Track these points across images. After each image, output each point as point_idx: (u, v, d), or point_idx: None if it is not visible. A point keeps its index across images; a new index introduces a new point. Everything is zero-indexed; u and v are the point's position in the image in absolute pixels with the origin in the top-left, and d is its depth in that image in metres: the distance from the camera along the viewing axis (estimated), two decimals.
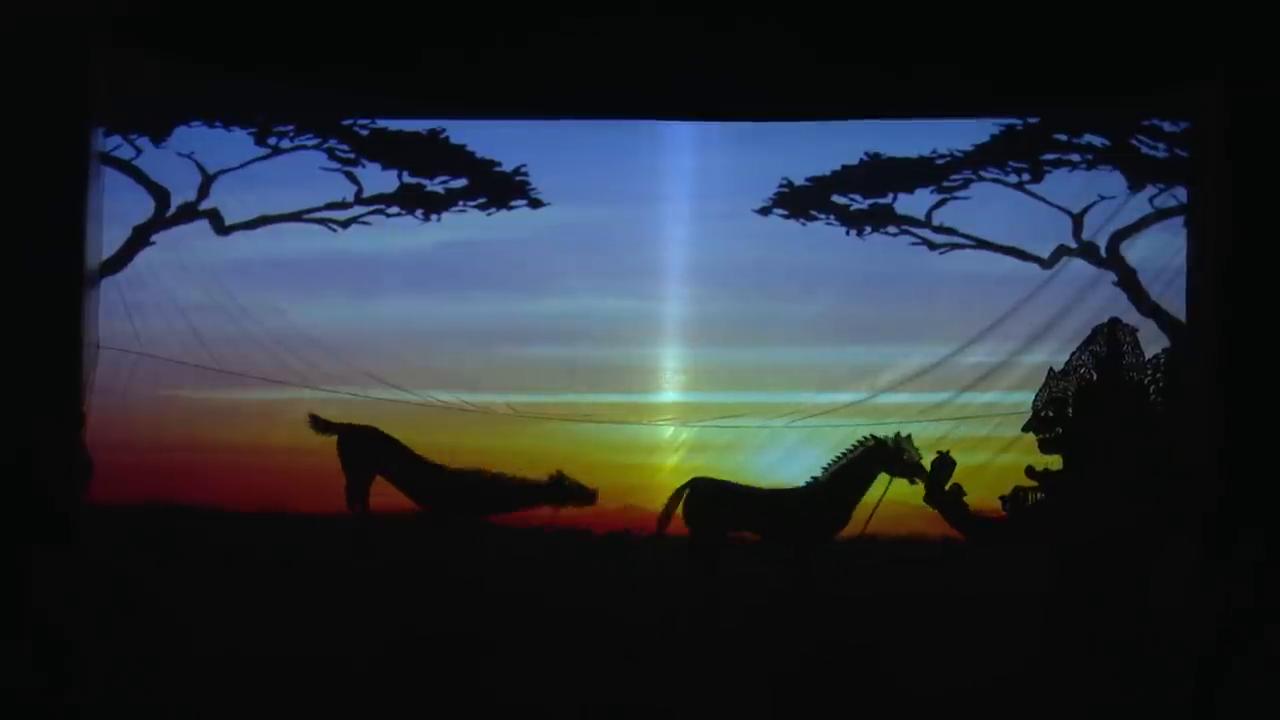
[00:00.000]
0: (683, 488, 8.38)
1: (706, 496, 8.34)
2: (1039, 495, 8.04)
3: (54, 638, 6.87)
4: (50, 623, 6.88)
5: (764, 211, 8.84)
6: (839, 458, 8.33)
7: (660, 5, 7.74)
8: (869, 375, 8.62)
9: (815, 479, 8.36)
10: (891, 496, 8.44)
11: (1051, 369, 8.20)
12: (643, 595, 8.00)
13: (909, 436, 8.28)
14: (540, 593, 8.03)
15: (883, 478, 8.27)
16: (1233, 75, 7.62)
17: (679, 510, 8.33)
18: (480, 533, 8.51)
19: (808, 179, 8.83)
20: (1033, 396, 8.21)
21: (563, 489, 8.47)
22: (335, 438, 8.51)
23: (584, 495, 8.46)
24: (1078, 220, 8.76)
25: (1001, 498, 8.10)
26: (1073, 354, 8.20)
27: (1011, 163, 8.80)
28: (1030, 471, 8.05)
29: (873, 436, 8.29)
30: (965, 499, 8.18)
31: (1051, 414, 8.10)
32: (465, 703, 7.24)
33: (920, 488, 8.23)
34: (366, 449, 8.53)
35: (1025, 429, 8.16)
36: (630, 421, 8.70)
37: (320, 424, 8.52)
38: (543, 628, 7.75)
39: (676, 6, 7.75)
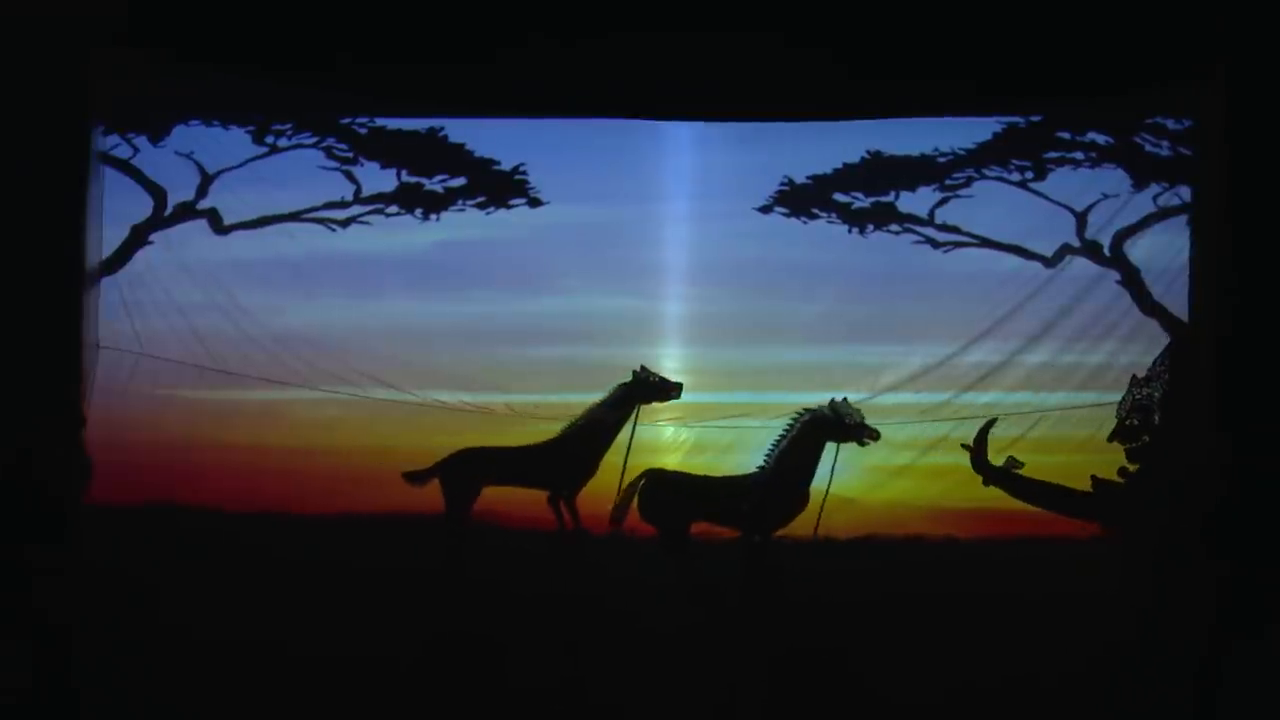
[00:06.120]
0: (637, 479, 8.30)
1: (661, 487, 8.28)
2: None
3: (54, 638, 6.90)
4: (50, 623, 6.90)
5: (765, 210, 8.80)
6: (780, 439, 8.23)
7: (661, 6, 7.71)
8: (869, 375, 8.56)
9: (763, 467, 8.26)
10: (892, 497, 8.46)
11: (1135, 375, 8.01)
12: (641, 596, 7.99)
13: (844, 400, 8.17)
14: (537, 593, 8.03)
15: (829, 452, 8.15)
16: (1234, 75, 7.57)
17: (635, 505, 8.24)
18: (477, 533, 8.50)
19: (809, 177, 8.79)
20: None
21: (647, 385, 8.36)
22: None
23: (669, 387, 8.36)
24: (1081, 218, 8.72)
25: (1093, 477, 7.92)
26: (1155, 360, 8.00)
27: (1014, 160, 8.74)
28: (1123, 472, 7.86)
29: (806, 410, 8.20)
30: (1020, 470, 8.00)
31: (1136, 422, 7.90)
32: (464, 703, 7.26)
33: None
34: (466, 472, 8.37)
35: (1111, 439, 7.94)
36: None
37: (415, 476, 8.29)
38: (540, 628, 7.77)
39: (677, 7, 7.72)
